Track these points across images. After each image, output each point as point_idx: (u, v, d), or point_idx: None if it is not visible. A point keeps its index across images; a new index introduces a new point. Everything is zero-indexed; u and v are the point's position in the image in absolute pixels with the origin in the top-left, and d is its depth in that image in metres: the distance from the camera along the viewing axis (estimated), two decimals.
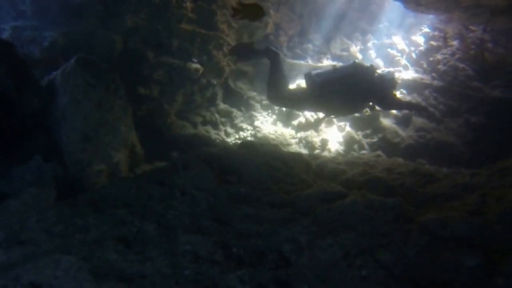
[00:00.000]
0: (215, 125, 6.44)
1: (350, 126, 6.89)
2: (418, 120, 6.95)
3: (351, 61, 4.83)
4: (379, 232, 2.36)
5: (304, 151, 6.22)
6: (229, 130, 6.51)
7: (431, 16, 8.32)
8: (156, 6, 5.89)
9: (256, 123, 6.73)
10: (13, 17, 6.26)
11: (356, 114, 6.03)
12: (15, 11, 6.30)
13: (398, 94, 7.16)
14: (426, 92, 7.55)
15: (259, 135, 6.46)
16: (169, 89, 6.06)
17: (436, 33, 8.36)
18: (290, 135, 6.74)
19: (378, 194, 2.91)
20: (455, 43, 7.90)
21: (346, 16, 8.94)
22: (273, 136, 6.50)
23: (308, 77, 4.56)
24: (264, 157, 3.67)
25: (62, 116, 3.64)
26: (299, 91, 5.71)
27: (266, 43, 7.41)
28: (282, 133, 6.72)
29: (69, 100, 3.63)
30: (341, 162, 4.49)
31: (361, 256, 2.19)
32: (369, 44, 9.02)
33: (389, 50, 8.80)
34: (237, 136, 6.42)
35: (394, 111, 6.99)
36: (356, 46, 8.84)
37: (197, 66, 6.23)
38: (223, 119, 6.62)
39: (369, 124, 6.81)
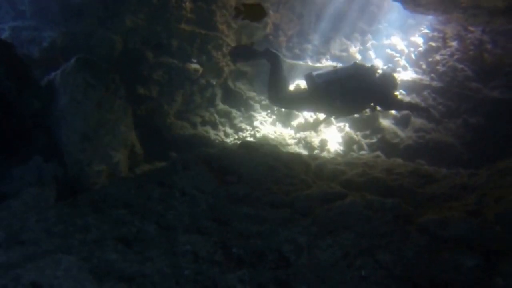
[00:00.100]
0: (214, 126, 6.44)
1: (349, 126, 6.90)
2: (417, 121, 6.97)
3: (352, 62, 4.84)
4: (379, 233, 2.37)
5: (303, 151, 6.22)
6: (228, 130, 6.51)
7: (430, 17, 8.34)
8: (156, 6, 5.90)
9: (256, 123, 6.74)
10: (12, 17, 6.26)
11: (355, 115, 6.03)
12: (14, 11, 6.30)
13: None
14: (425, 92, 7.56)
15: (258, 135, 6.47)
16: (168, 89, 6.06)
17: (435, 33, 8.38)
18: (289, 135, 6.75)
19: (377, 195, 2.92)
20: (454, 44, 7.91)
21: (346, 17, 8.95)
22: (272, 137, 6.50)
23: (308, 78, 4.56)
24: (264, 157, 3.68)
25: (62, 116, 3.64)
26: (299, 92, 5.72)
27: (266, 44, 7.42)
28: (281, 133, 6.73)
29: (69, 100, 3.64)
30: (341, 162, 4.50)
31: (360, 257, 2.20)
32: (368, 45, 9.03)
33: (388, 50, 8.82)
34: (236, 137, 6.42)
35: (393, 112, 7.00)
36: (355, 46, 8.86)
37: (197, 66, 6.24)
38: (222, 120, 6.62)
39: (368, 125, 6.82)
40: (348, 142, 6.54)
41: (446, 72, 7.66)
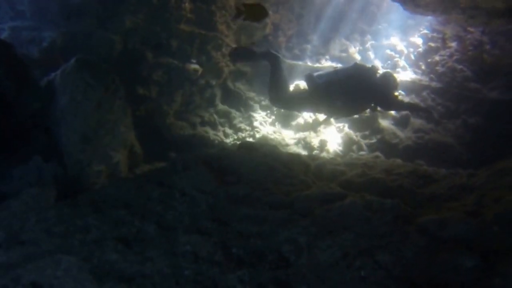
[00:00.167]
0: (213, 126, 6.45)
1: (349, 127, 6.91)
2: (416, 121, 6.98)
3: (353, 63, 4.85)
4: (378, 233, 2.38)
5: (302, 152, 6.23)
6: (228, 130, 6.52)
7: (429, 18, 8.36)
8: (155, 6, 5.90)
9: (255, 123, 6.75)
10: (11, 17, 6.26)
11: (355, 115, 6.04)
12: (13, 11, 6.30)
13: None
14: (424, 93, 7.58)
15: (258, 135, 6.47)
16: (168, 90, 6.07)
17: (435, 34, 8.40)
18: (289, 135, 6.76)
19: (377, 195, 2.92)
20: (453, 44, 7.93)
21: (345, 17, 8.96)
22: (272, 137, 6.51)
23: (309, 78, 4.57)
24: (264, 157, 3.69)
25: (61, 117, 3.64)
26: (300, 92, 5.73)
27: (266, 44, 7.43)
28: (281, 133, 6.74)
29: (68, 100, 3.64)
30: (340, 163, 4.51)
31: (360, 257, 2.20)
32: (368, 45, 9.05)
33: (387, 51, 8.84)
34: (235, 137, 6.43)
35: (392, 112, 7.02)
36: (354, 47, 8.87)
37: (196, 66, 6.24)
38: (221, 120, 6.62)
39: (368, 125, 6.83)
40: (348, 143, 6.55)
41: (445, 73, 7.67)
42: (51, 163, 3.35)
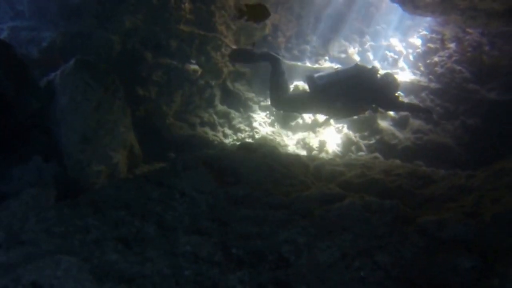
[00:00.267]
0: (213, 126, 6.45)
1: (348, 127, 6.93)
2: (415, 122, 7.01)
3: (353, 63, 4.86)
4: (377, 234, 2.39)
5: (302, 152, 6.24)
6: (227, 131, 6.52)
7: (428, 19, 8.39)
8: (155, 7, 5.90)
9: (254, 124, 6.76)
10: (11, 17, 6.26)
11: (355, 116, 6.05)
12: (12, 11, 6.29)
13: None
14: (423, 94, 7.60)
15: (257, 136, 6.48)
16: (167, 90, 6.07)
17: (434, 35, 8.43)
18: (288, 136, 6.77)
19: (376, 196, 2.93)
20: (452, 45, 7.96)
21: (344, 18, 8.99)
22: (271, 137, 6.52)
23: (310, 79, 4.58)
24: (263, 158, 3.69)
25: (61, 117, 3.64)
26: (301, 94, 5.74)
27: (265, 44, 7.44)
28: (280, 134, 6.75)
29: (68, 100, 3.64)
30: (339, 163, 4.52)
31: (359, 257, 2.21)
32: (367, 46, 9.07)
33: (386, 52, 8.86)
34: (235, 137, 6.44)
35: (391, 113, 7.04)
36: (354, 48, 8.89)
37: (196, 67, 6.25)
38: (221, 120, 6.63)
39: (367, 126, 6.85)
40: (347, 143, 6.56)
41: (444, 74, 7.70)
42: (50, 163, 3.35)
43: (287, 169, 3.60)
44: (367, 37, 9.23)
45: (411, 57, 8.63)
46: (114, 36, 5.68)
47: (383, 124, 6.94)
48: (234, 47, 6.79)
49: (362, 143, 6.61)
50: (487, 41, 7.56)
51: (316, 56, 8.38)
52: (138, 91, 5.80)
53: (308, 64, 8.05)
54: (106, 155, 3.81)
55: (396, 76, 4.84)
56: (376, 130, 6.77)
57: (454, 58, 7.77)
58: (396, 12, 9.03)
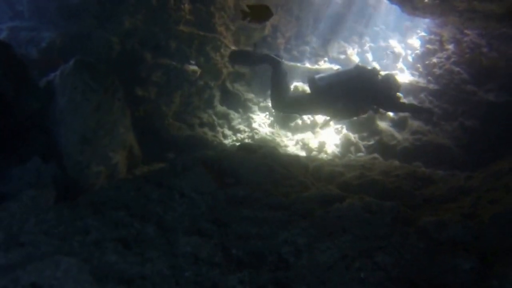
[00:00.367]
0: (212, 127, 6.45)
1: (347, 128, 6.94)
2: (414, 123, 7.02)
3: (354, 64, 4.86)
4: (377, 235, 2.39)
5: (301, 153, 6.25)
6: (227, 132, 6.52)
7: (427, 20, 8.42)
8: (154, 7, 5.90)
9: (254, 125, 6.76)
10: (10, 17, 6.24)
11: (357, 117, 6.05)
12: (12, 11, 6.28)
13: None
14: (422, 95, 7.62)
15: (256, 137, 6.48)
16: (166, 91, 6.06)
17: (432, 36, 8.45)
18: (287, 137, 6.77)
19: (375, 197, 2.94)
20: (450, 47, 7.99)
21: (343, 19, 9.01)
22: (270, 138, 6.52)
23: (311, 81, 4.58)
24: (263, 159, 3.70)
25: (60, 118, 3.63)
26: (302, 96, 5.74)
27: (264, 45, 7.45)
28: (279, 135, 6.75)
29: (67, 101, 3.63)
30: (338, 164, 4.53)
31: (359, 258, 2.22)
32: (366, 47, 9.09)
33: (387, 52, 8.88)
34: (234, 138, 6.44)
35: (390, 114, 7.05)
36: (353, 49, 8.91)
37: (195, 68, 6.25)
38: (220, 121, 6.63)
39: (366, 127, 6.86)
40: (346, 144, 6.57)
41: (442, 75, 7.72)
42: (50, 164, 3.34)
43: (287, 170, 3.60)
44: (366, 38, 9.25)
45: (410, 58, 8.66)
46: (114, 37, 5.67)
47: (382, 125, 6.96)
48: (233, 47, 6.80)
49: (361, 144, 6.63)
50: (485, 43, 7.59)
51: (316, 57, 8.39)
52: (137, 92, 5.79)
53: (307, 65, 8.06)
54: (106, 156, 3.81)
55: (396, 77, 4.86)
56: (375, 131, 6.78)
57: (452, 60, 7.80)
58: (395, 13, 9.06)
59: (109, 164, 3.86)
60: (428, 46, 8.37)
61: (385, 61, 8.70)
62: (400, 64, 8.58)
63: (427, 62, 8.18)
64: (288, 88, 4.94)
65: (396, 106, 4.84)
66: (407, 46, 8.97)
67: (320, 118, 6.82)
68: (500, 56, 7.37)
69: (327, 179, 3.98)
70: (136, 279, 2.14)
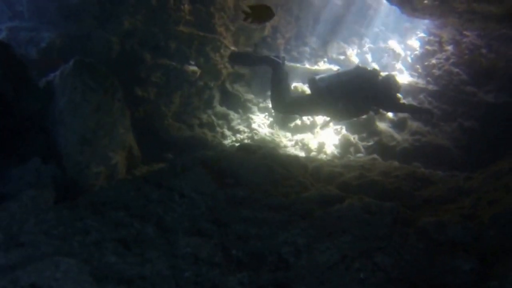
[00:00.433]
0: (211, 127, 6.46)
1: (346, 129, 6.94)
2: (413, 124, 7.03)
3: (354, 65, 4.87)
4: (377, 235, 2.40)
5: (300, 153, 6.25)
6: (226, 132, 6.52)
7: (426, 21, 8.43)
8: (154, 8, 5.90)
9: (253, 125, 6.76)
10: (9, 17, 6.23)
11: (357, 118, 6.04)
12: (11, 11, 6.27)
13: None
14: (421, 96, 7.63)
15: (256, 137, 6.48)
16: (166, 91, 6.06)
17: (432, 37, 8.47)
18: (286, 137, 6.78)
19: (375, 198, 2.95)
20: (449, 48, 8.00)
21: (343, 20, 9.02)
22: (269, 139, 6.52)
23: (311, 82, 4.59)
24: (262, 159, 3.70)
25: (60, 118, 3.63)
26: (303, 97, 5.74)
27: (264, 45, 7.46)
28: (279, 135, 6.75)
29: (67, 102, 3.63)
30: (337, 165, 4.54)
31: (359, 259, 2.22)
32: (366, 48, 9.10)
33: (385, 56, 8.89)
34: (234, 139, 6.44)
35: (390, 115, 7.06)
36: (352, 49, 8.92)
37: (195, 68, 6.25)
38: (220, 122, 6.63)
39: (365, 128, 6.87)
40: (345, 145, 6.58)
41: (442, 76, 7.73)
42: (49, 165, 3.34)
43: (286, 170, 3.60)
44: (366, 39, 9.27)
45: (409, 59, 8.67)
46: (113, 37, 5.67)
47: (382, 125, 6.96)
48: (233, 48, 6.81)
49: (360, 144, 6.63)
50: (484, 44, 7.60)
51: (315, 57, 8.40)
52: (137, 92, 5.79)
53: (307, 65, 8.07)
54: (105, 156, 3.81)
55: (397, 78, 4.86)
56: (374, 132, 6.79)
57: (451, 61, 7.81)
58: (394, 15, 9.07)
59: (108, 164, 3.86)
60: (428, 47, 8.38)
61: (385, 58, 8.70)
62: (399, 65, 8.59)
63: (426, 63, 8.19)
64: (289, 89, 4.95)
65: (397, 107, 4.84)
66: (407, 47, 8.98)
67: (319, 118, 6.82)
68: (499, 57, 7.38)
69: (327, 179, 3.99)
70: (136, 280, 2.14)
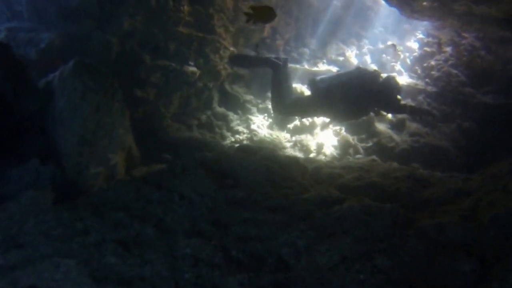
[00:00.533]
0: (210, 128, 6.45)
1: (346, 130, 6.95)
2: (412, 125, 7.05)
3: (353, 66, 4.88)
4: (377, 237, 2.40)
5: (299, 154, 6.25)
6: (225, 133, 6.52)
7: (425, 23, 8.46)
8: (153, 9, 5.90)
9: (253, 126, 6.76)
10: (8, 18, 6.21)
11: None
12: (10, 11, 6.25)
13: None
14: (420, 97, 7.66)
15: (255, 138, 6.48)
16: (165, 92, 6.06)
17: (430, 39, 8.50)
18: (285, 138, 6.78)
19: (374, 199, 2.95)
20: (448, 49, 8.03)
21: (342, 21, 9.03)
22: (269, 140, 6.52)
23: (312, 83, 4.59)
24: (262, 160, 3.70)
25: (59, 119, 3.62)
26: (303, 98, 5.75)
27: (263, 46, 7.47)
28: (278, 136, 6.75)
29: (67, 102, 3.62)
30: (337, 166, 4.54)
31: (359, 261, 2.22)
32: (365, 49, 9.12)
33: (384, 55, 8.91)
34: (233, 139, 6.44)
35: (389, 116, 7.07)
36: (351, 51, 8.94)
37: (194, 69, 6.24)
38: (219, 122, 6.63)
39: (364, 129, 6.88)
40: (344, 146, 6.58)
41: (440, 77, 7.76)
42: (49, 165, 3.33)
43: (286, 172, 3.60)
44: (365, 41, 9.29)
45: (408, 61, 8.69)
46: (113, 38, 5.66)
47: (381, 127, 6.98)
48: (232, 49, 6.81)
49: (359, 145, 6.64)
50: (483, 46, 7.64)
51: (315, 59, 8.41)
52: (136, 93, 5.78)
53: (306, 67, 8.08)
54: (105, 157, 3.80)
55: (397, 79, 4.87)
56: (373, 133, 6.80)
57: (450, 62, 7.84)
58: (394, 16, 9.10)
59: (108, 165, 3.84)
60: (426, 48, 8.41)
61: (384, 56, 8.72)
62: (398, 66, 8.61)
63: (425, 65, 8.22)
64: (290, 90, 4.95)
65: (397, 108, 4.85)
66: (406, 49, 9.01)
67: (319, 119, 6.83)
68: (497, 59, 7.42)
69: (326, 181, 3.99)
70: (136, 281, 2.14)
